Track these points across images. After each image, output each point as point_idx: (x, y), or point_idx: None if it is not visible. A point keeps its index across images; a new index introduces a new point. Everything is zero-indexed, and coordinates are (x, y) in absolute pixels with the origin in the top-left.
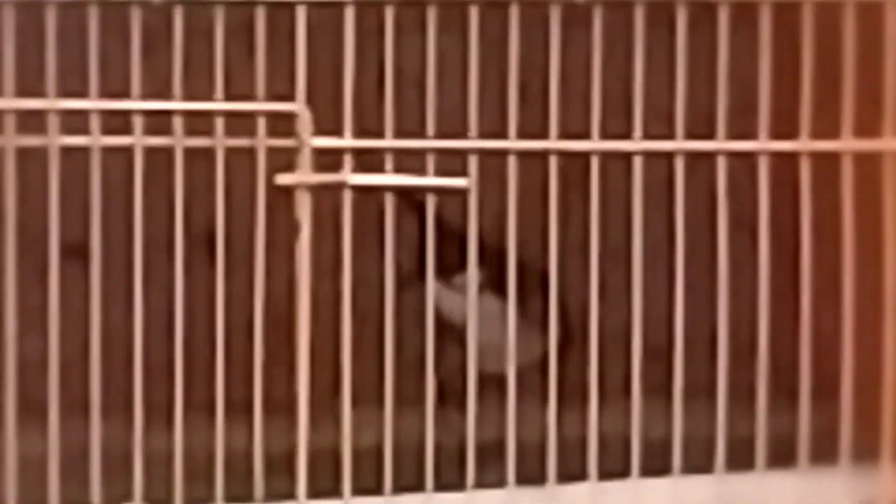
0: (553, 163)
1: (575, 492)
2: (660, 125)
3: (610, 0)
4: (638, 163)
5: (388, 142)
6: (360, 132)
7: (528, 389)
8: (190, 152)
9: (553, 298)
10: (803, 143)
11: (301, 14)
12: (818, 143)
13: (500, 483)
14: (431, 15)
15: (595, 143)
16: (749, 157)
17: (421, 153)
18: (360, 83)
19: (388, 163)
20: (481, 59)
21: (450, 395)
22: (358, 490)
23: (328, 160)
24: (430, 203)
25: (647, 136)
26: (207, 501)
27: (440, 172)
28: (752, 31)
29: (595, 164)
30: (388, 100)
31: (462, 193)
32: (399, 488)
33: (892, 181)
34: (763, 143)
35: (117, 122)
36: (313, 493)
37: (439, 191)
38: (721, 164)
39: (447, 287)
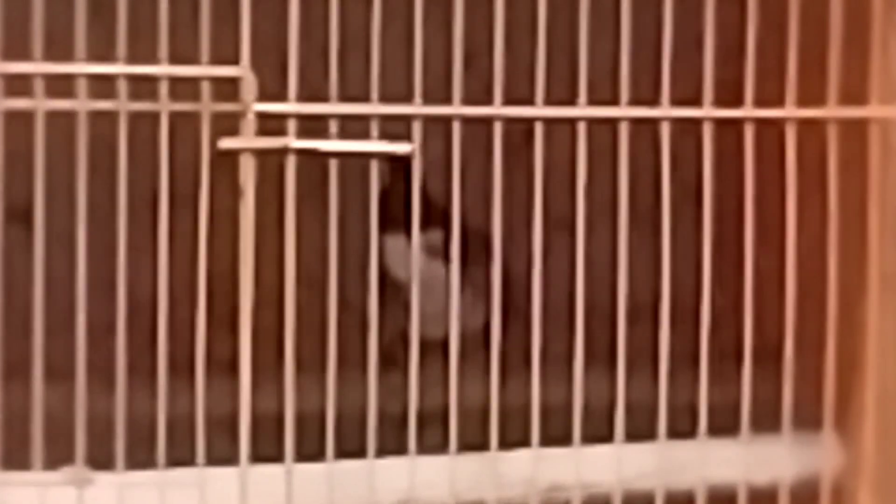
0: (497, 129)
1: (517, 458)
2: (605, 92)
3: None
4: (582, 129)
5: (333, 106)
6: (304, 97)
7: (471, 356)
8: (134, 116)
9: (497, 265)
10: (747, 111)
11: None
12: (762, 111)
13: (442, 449)
14: None
15: (539, 110)
16: (694, 125)
17: (366, 118)
18: (305, 48)
19: (333, 128)
20: (426, 24)
21: (393, 361)
22: (300, 455)
23: (274, 125)
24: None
25: (592, 102)
26: (149, 465)
27: (385, 138)
28: None
29: (539, 130)
30: (332, 65)
31: (406, 159)
32: (341, 454)
33: (835, 149)
34: (707, 111)
35: (61, 86)
36: (255, 457)
37: (383, 156)
38: (665, 131)
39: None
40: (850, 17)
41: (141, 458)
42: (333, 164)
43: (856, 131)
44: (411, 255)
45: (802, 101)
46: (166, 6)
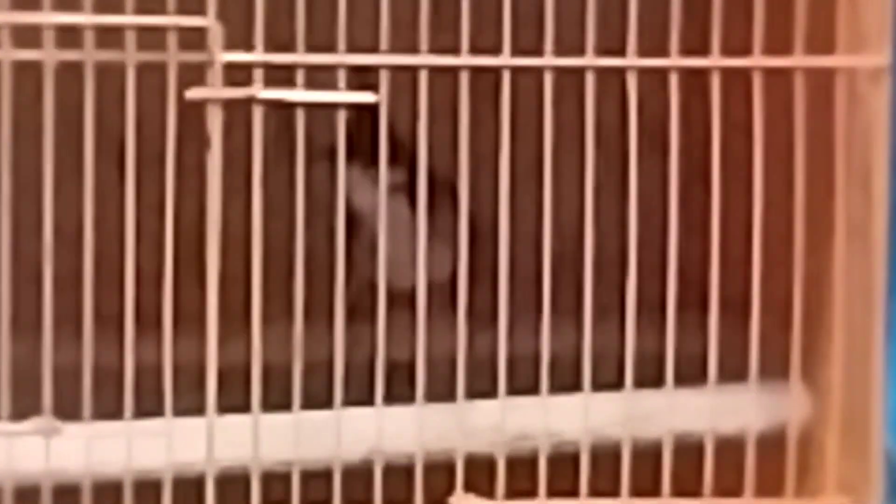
0: (464, 79)
1: (484, 408)
2: (572, 41)
3: None
4: (549, 79)
5: (299, 56)
6: (271, 48)
7: (438, 306)
8: (101, 67)
9: (463, 214)
10: (714, 60)
11: None
12: (728, 60)
13: (409, 399)
14: None
15: (505, 59)
16: (660, 74)
17: (332, 68)
18: None
19: (300, 77)
20: None
21: (360, 311)
22: (267, 406)
23: (242, 76)
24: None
25: (559, 52)
26: (116, 415)
27: (352, 87)
28: None
29: (506, 79)
30: (299, 15)
31: (372, 108)
32: (308, 405)
33: (802, 98)
34: (674, 60)
35: (27, 36)
36: (223, 407)
37: (349, 106)
38: (632, 81)
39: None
40: None
41: (108, 408)
42: (300, 114)
43: (823, 81)
44: (377, 193)
45: (769, 51)
46: None
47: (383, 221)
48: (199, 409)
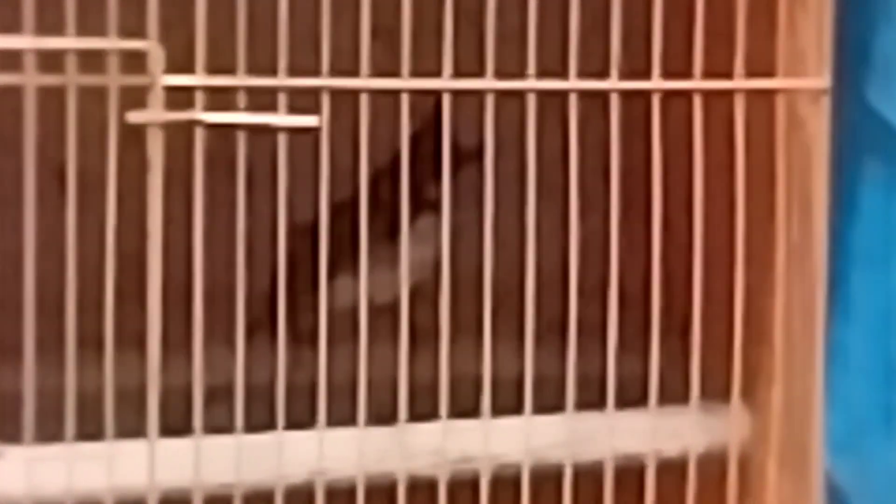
0: (405, 101)
1: (426, 430)
2: (512, 64)
3: None
4: (490, 102)
5: (240, 79)
6: (212, 70)
7: (380, 329)
8: (42, 90)
9: (405, 240)
10: (654, 83)
11: None
12: (669, 83)
13: (351, 421)
14: None
15: (447, 82)
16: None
17: (273, 91)
18: (212, 20)
19: (241, 101)
20: None
21: (302, 333)
22: (209, 428)
23: (183, 98)
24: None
25: (499, 74)
26: (57, 438)
27: (293, 110)
28: None
29: (447, 102)
30: (240, 37)
31: (314, 132)
32: (250, 427)
33: (742, 120)
34: (613, 83)
35: None
36: (164, 430)
37: (291, 129)
38: (573, 104)
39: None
40: None
41: (49, 431)
42: (241, 137)
43: (763, 103)
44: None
45: (710, 73)
46: None
47: (324, 250)
48: (140, 432)
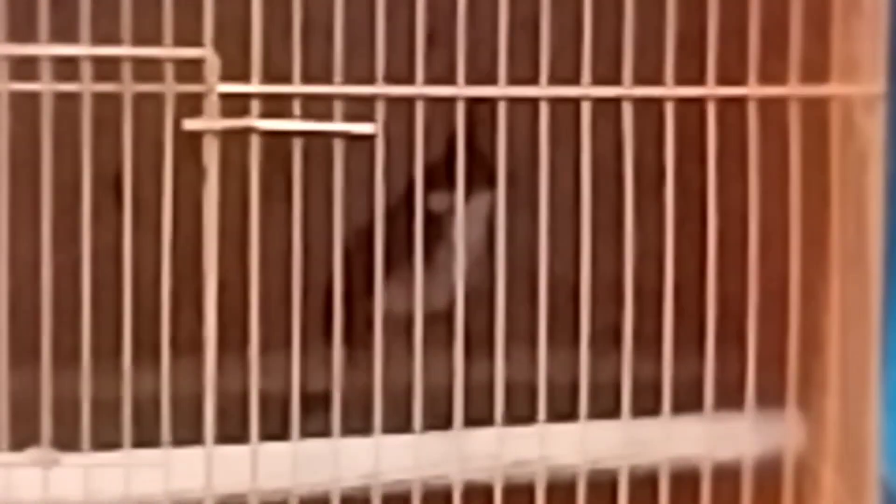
0: (460, 109)
1: (481, 436)
2: (567, 71)
3: None
4: (544, 109)
5: (295, 87)
6: (267, 78)
7: (435, 335)
8: (98, 98)
9: (460, 245)
10: (709, 89)
11: None
12: (723, 89)
13: (407, 427)
14: None
15: (502, 89)
16: (656, 104)
17: (328, 98)
18: (267, 28)
19: (296, 108)
20: (389, 3)
21: (358, 339)
22: (265, 435)
23: (239, 105)
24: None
25: (554, 81)
26: (114, 445)
27: (348, 118)
28: None
29: (503, 110)
30: (295, 45)
31: (369, 139)
32: (306, 433)
33: (797, 127)
34: (670, 90)
35: (25, 68)
36: (221, 437)
37: (346, 136)
38: (627, 111)
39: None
40: None
41: (106, 438)
42: (297, 144)
43: (817, 110)
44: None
45: (764, 80)
46: None
47: (379, 254)
48: (197, 439)
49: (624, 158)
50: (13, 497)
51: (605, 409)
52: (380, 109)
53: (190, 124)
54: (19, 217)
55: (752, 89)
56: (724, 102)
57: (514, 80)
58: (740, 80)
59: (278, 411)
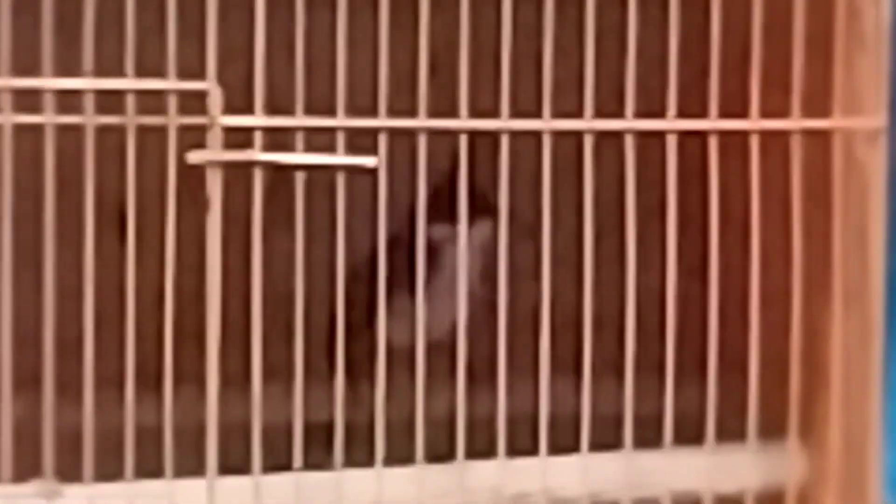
0: (463, 142)
1: (483, 468)
2: (571, 104)
3: None
4: (547, 141)
5: (299, 120)
6: (271, 110)
7: (436, 366)
8: (101, 130)
9: (462, 276)
10: (711, 123)
11: None
12: (725, 122)
13: (409, 459)
14: None
15: (505, 122)
16: (658, 137)
17: (331, 131)
18: (271, 61)
19: (299, 141)
20: (392, 37)
21: (358, 371)
22: (268, 467)
23: (242, 137)
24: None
25: (557, 114)
26: (117, 476)
27: (350, 148)
28: (661, 10)
29: (505, 142)
30: (298, 78)
31: (372, 172)
32: (309, 465)
33: (798, 160)
34: (671, 122)
35: (28, 100)
36: (223, 468)
37: (349, 168)
38: (630, 143)
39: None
40: (814, 29)
41: (109, 469)
42: (300, 177)
43: (820, 143)
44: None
45: (766, 113)
46: (133, 20)
47: (383, 286)
48: (199, 470)
49: (626, 191)
50: None
51: (607, 441)
52: (382, 142)
53: (193, 157)
54: (22, 248)
55: (754, 122)
56: (726, 136)
57: (515, 114)
58: (743, 113)
59: (281, 442)
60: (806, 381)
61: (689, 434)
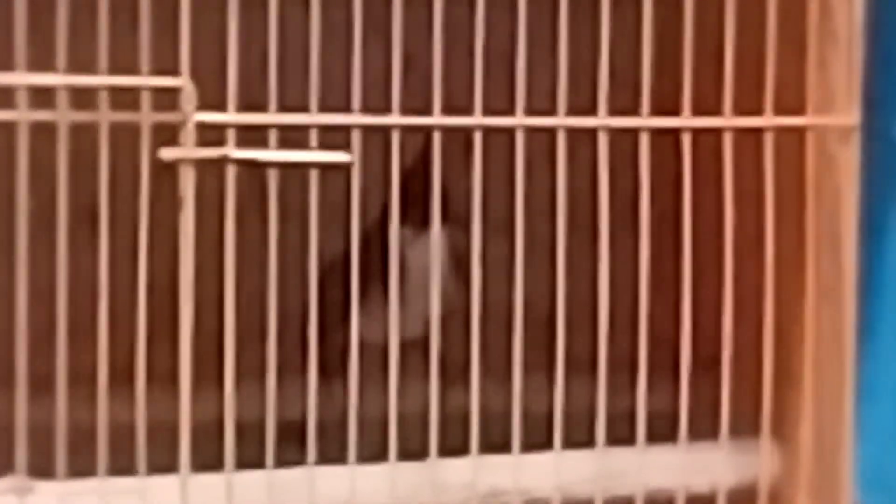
0: (436, 138)
1: (456, 465)
2: (544, 101)
3: None
4: (520, 138)
5: (272, 116)
6: (244, 107)
7: (410, 363)
8: (74, 127)
9: (435, 272)
10: (684, 120)
11: None
12: (699, 120)
13: (382, 456)
14: None
15: (478, 119)
16: (632, 134)
17: (305, 128)
18: (244, 58)
19: (272, 138)
20: (366, 34)
21: (333, 368)
22: (241, 463)
23: (215, 134)
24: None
25: (531, 112)
26: (90, 473)
27: (324, 146)
28: (634, 7)
29: (478, 139)
30: (271, 75)
31: (345, 168)
32: (282, 462)
33: (772, 157)
34: (645, 120)
35: (1, 97)
36: (196, 465)
37: (322, 165)
38: (603, 140)
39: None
40: (787, 27)
41: (82, 466)
42: (273, 174)
43: (793, 140)
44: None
45: (740, 110)
46: (106, 17)
47: (356, 285)
48: (172, 467)
49: (599, 188)
50: None
51: (580, 438)
52: (356, 138)
53: (166, 153)
54: None
55: (728, 120)
56: (699, 133)
57: (487, 111)
58: (716, 111)
59: (254, 440)
60: (779, 379)
61: (662, 432)
